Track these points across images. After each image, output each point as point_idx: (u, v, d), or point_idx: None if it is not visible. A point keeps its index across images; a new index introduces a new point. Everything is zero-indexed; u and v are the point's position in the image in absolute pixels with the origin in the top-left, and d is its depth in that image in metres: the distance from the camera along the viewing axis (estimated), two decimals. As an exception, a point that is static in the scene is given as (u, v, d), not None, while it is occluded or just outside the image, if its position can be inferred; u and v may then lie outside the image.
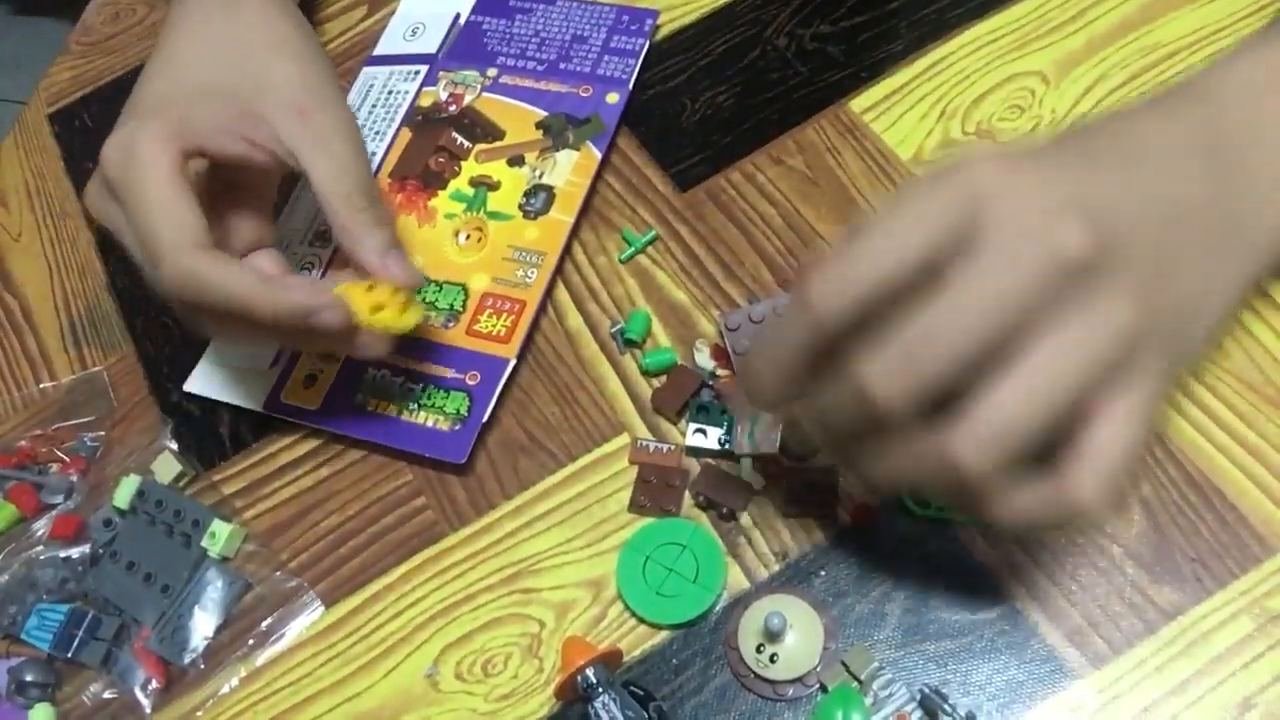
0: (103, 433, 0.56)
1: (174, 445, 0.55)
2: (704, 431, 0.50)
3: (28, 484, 0.54)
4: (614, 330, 0.54)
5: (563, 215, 0.57)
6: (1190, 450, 0.47)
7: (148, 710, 0.49)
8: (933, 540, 0.46)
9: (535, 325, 0.55)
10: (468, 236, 0.57)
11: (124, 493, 0.53)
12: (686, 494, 0.49)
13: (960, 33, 0.58)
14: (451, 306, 0.55)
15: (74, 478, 0.55)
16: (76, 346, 0.60)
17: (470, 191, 0.59)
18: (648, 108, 0.60)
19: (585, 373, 0.53)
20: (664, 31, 0.63)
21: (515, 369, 0.53)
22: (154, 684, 0.49)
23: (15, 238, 0.65)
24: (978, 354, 0.32)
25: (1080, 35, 0.57)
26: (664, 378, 0.52)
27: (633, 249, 0.56)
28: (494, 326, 0.54)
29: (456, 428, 0.52)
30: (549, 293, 0.55)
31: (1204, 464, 0.46)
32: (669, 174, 0.58)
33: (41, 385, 0.59)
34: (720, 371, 0.51)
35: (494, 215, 0.58)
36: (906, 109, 0.57)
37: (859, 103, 0.58)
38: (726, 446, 0.49)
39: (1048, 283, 0.32)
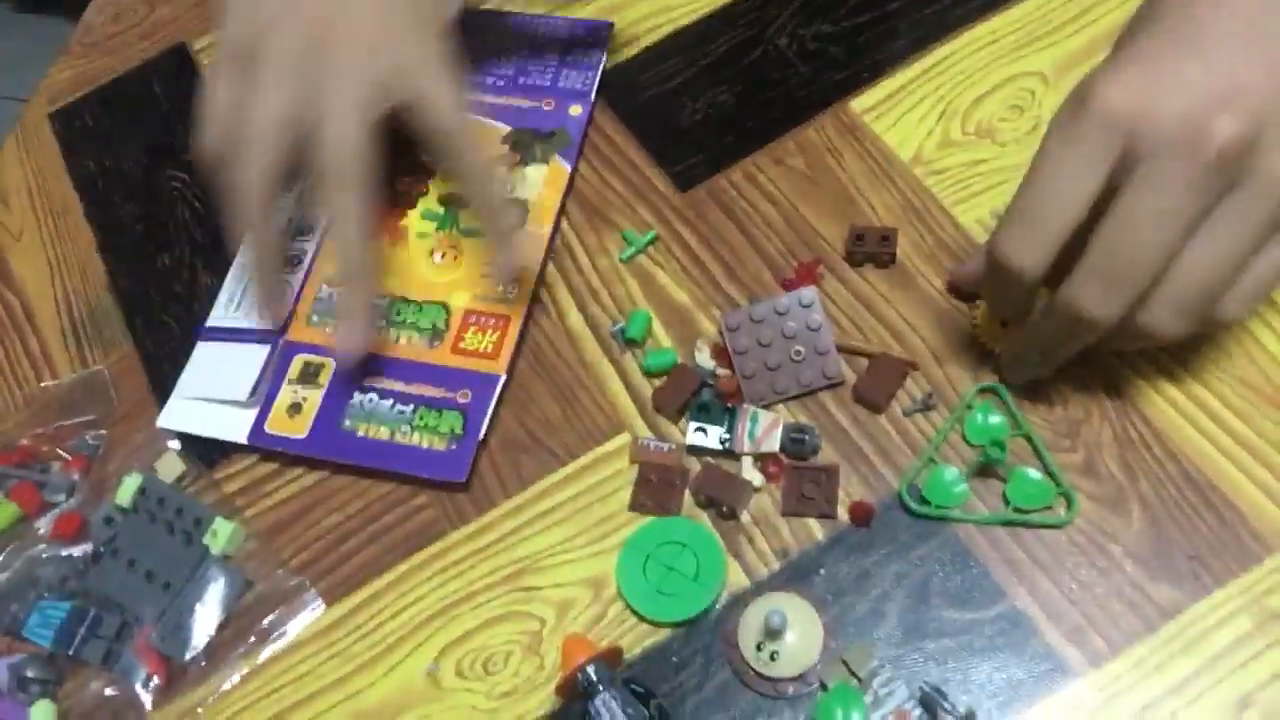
0: (104, 431, 0.56)
1: (176, 444, 0.55)
2: (704, 430, 0.50)
3: (29, 482, 0.54)
4: (615, 330, 0.54)
5: (539, 228, 0.56)
6: (1189, 449, 0.47)
7: (149, 707, 0.49)
8: (932, 538, 0.47)
9: (527, 331, 0.55)
10: (443, 255, 0.57)
11: (126, 491, 0.53)
12: (687, 493, 0.49)
13: (961, 33, 0.59)
14: (434, 326, 0.55)
15: (75, 476, 0.55)
16: (77, 345, 0.60)
17: (440, 210, 0.58)
18: (649, 108, 0.60)
19: (586, 372, 0.53)
20: (664, 31, 0.63)
21: (506, 381, 0.53)
22: (155, 681, 0.49)
23: (17, 237, 0.65)
24: (1168, 257, 0.39)
25: (1081, 35, 0.57)
26: (665, 377, 0.52)
27: (633, 249, 0.56)
28: (480, 343, 0.54)
29: (453, 446, 0.51)
30: (532, 306, 0.55)
31: (1203, 462, 0.46)
32: (670, 174, 0.58)
33: (43, 383, 0.59)
34: (721, 371, 0.52)
35: (467, 232, 0.57)
36: (907, 109, 0.57)
37: (860, 103, 0.58)
38: (727, 445, 0.49)
39: (1211, 179, 0.37)
